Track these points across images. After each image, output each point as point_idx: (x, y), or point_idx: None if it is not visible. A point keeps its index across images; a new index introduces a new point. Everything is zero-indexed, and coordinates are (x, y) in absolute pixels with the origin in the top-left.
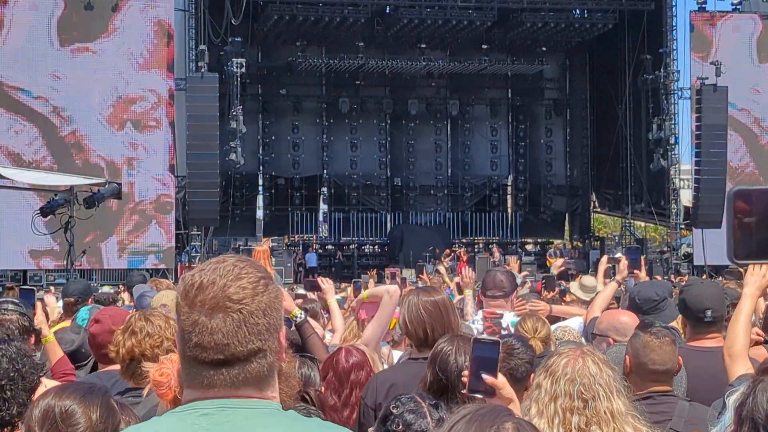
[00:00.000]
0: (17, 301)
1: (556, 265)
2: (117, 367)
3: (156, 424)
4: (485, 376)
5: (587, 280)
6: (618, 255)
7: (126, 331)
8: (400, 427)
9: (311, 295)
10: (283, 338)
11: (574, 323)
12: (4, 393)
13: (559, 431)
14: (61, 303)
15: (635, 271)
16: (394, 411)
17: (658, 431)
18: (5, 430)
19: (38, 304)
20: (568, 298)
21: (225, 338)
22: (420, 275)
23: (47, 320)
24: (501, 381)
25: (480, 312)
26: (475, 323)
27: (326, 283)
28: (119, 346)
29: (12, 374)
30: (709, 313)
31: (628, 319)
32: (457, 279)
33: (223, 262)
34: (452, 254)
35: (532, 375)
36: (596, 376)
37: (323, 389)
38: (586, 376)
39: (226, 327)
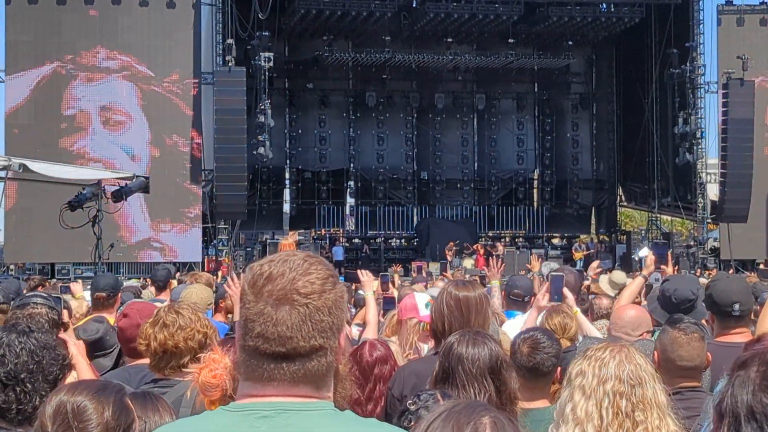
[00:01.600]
0: (46, 295)
1: (592, 266)
2: (146, 360)
3: (210, 420)
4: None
5: (617, 276)
6: (642, 254)
7: (156, 324)
8: (412, 423)
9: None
10: (343, 340)
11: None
12: (25, 386)
13: (607, 412)
14: (88, 297)
15: (662, 267)
16: (411, 408)
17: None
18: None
19: (64, 313)
20: (593, 288)
21: (289, 331)
22: (444, 272)
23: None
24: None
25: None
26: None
27: (366, 276)
28: (150, 339)
29: (31, 366)
30: (737, 307)
31: (635, 313)
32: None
33: (294, 255)
34: (454, 249)
35: (559, 369)
36: (643, 364)
37: None
38: (634, 363)
39: (292, 320)
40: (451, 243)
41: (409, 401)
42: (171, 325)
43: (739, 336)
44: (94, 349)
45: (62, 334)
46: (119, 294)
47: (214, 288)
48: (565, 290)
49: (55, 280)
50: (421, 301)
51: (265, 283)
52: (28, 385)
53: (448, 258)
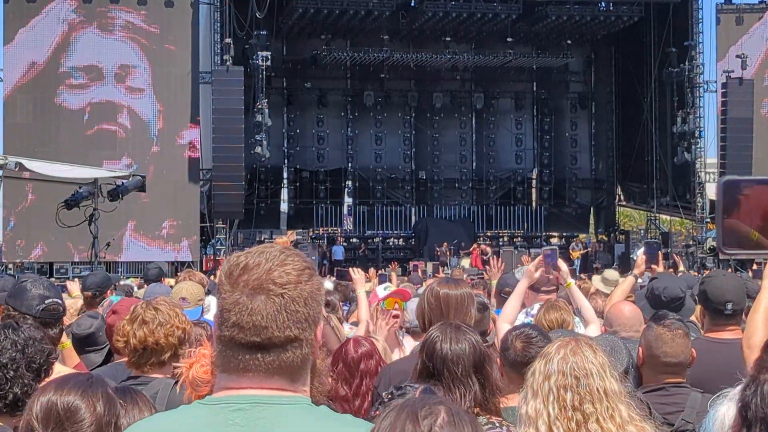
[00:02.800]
0: (45, 285)
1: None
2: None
3: (186, 414)
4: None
5: (610, 273)
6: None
7: (134, 321)
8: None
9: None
10: (320, 333)
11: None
12: (7, 372)
13: (553, 407)
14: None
15: (652, 266)
16: (386, 399)
17: (649, 421)
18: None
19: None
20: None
21: (264, 320)
22: (436, 273)
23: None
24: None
25: (536, 305)
26: (529, 316)
27: (357, 274)
28: (129, 336)
29: (14, 354)
30: (729, 306)
31: (629, 313)
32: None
33: (270, 248)
34: (448, 249)
35: None
36: (589, 356)
37: (333, 380)
38: (579, 354)
39: (267, 309)
40: (445, 244)
41: (386, 392)
42: (150, 322)
43: (730, 333)
44: (86, 344)
45: None
46: (107, 292)
47: (207, 289)
48: (560, 262)
49: (53, 279)
50: (380, 288)
51: (242, 273)
52: (10, 371)
53: (439, 257)
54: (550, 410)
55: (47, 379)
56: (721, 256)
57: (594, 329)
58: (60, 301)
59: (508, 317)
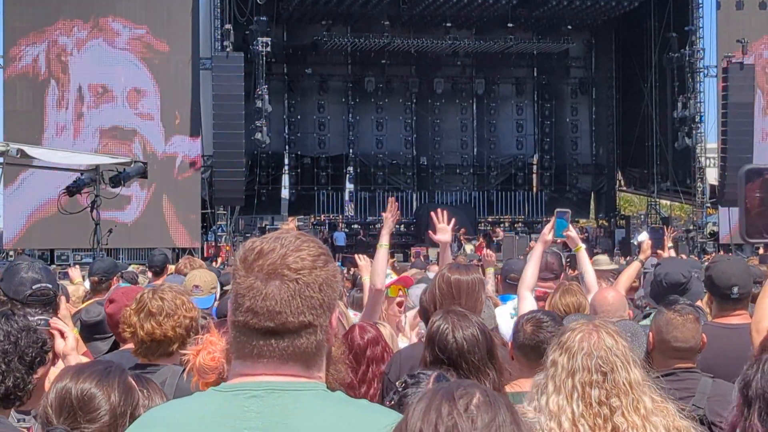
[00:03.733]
0: (39, 268)
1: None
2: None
3: (201, 401)
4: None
5: (600, 260)
6: (641, 238)
7: (141, 312)
8: (395, 401)
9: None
10: (335, 320)
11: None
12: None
13: (578, 405)
14: (88, 282)
15: (658, 251)
16: (400, 388)
17: (671, 401)
18: (12, 406)
19: (62, 300)
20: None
21: (278, 305)
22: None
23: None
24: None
25: (528, 301)
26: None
27: (363, 260)
28: (136, 328)
29: (7, 347)
30: (735, 289)
31: (613, 300)
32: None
33: (286, 233)
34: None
35: None
36: (612, 347)
37: None
38: (603, 348)
39: (281, 294)
40: (464, 229)
41: (399, 381)
42: (158, 313)
43: (738, 318)
44: (94, 332)
45: (56, 323)
46: (114, 278)
47: None
48: (571, 227)
49: (54, 266)
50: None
51: (256, 258)
52: (2, 365)
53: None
54: (574, 408)
55: (43, 368)
56: (741, 241)
57: None
58: (51, 286)
59: (529, 284)
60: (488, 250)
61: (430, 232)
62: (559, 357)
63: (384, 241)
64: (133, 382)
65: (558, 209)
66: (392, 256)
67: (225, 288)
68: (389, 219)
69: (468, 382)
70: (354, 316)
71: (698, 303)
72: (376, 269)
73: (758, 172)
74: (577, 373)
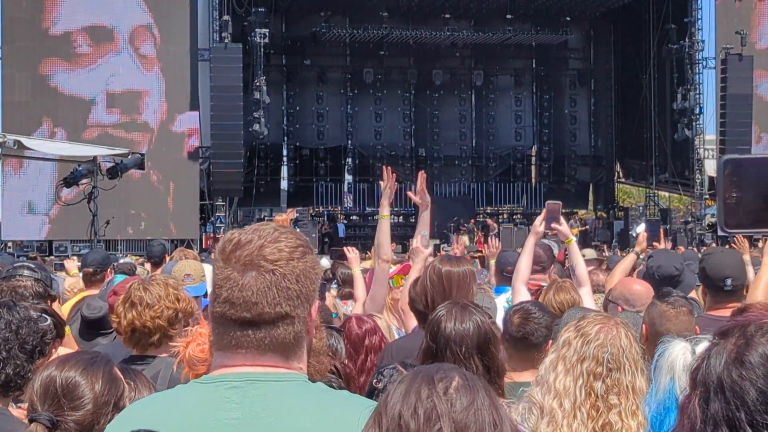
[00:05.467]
0: (33, 266)
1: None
2: None
3: (182, 393)
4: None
5: (587, 252)
6: (639, 230)
7: (126, 302)
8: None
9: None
10: (315, 312)
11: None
12: (0, 353)
13: (581, 392)
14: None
15: (654, 243)
16: (378, 386)
17: None
18: (12, 394)
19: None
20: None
21: (254, 296)
22: (438, 252)
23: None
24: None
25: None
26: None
27: (352, 253)
28: (120, 317)
29: (7, 335)
30: (729, 281)
31: (641, 288)
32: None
33: (265, 225)
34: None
35: (550, 342)
36: (626, 349)
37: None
38: (617, 346)
39: (257, 285)
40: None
41: (374, 379)
42: (138, 304)
43: (731, 310)
44: (96, 327)
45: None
46: (107, 270)
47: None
48: (561, 219)
49: (52, 257)
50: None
51: (234, 249)
52: (3, 352)
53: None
54: (577, 394)
55: (43, 359)
56: (720, 233)
57: (586, 291)
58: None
59: (523, 277)
60: (493, 241)
61: (409, 192)
62: (573, 339)
63: (385, 211)
64: (119, 373)
65: (549, 201)
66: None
67: None
68: (387, 188)
69: (447, 365)
70: (344, 305)
71: (692, 294)
72: (380, 240)
73: (738, 163)
74: (587, 360)
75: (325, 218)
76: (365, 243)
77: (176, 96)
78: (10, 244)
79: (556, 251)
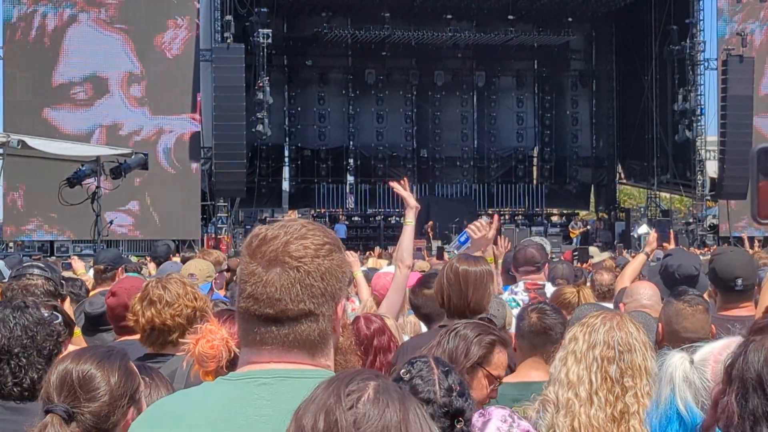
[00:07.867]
0: (43, 265)
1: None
2: (135, 336)
3: (210, 390)
4: None
5: (591, 251)
6: (641, 231)
7: (144, 300)
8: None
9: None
10: (341, 310)
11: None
12: (19, 360)
13: (596, 377)
14: (92, 272)
15: (664, 244)
16: (405, 377)
17: None
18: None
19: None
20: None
21: (278, 293)
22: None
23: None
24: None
25: (521, 283)
26: (518, 294)
27: (351, 256)
28: (138, 315)
29: (25, 341)
30: (740, 281)
31: (651, 291)
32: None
33: (294, 221)
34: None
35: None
36: (633, 333)
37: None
38: (625, 330)
39: (281, 281)
40: (431, 222)
41: (402, 370)
42: (158, 302)
43: (743, 310)
44: (99, 323)
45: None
46: (119, 268)
47: (225, 266)
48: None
49: (54, 257)
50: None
51: (260, 244)
52: (22, 359)
53: (430, 235)
54: (592, 378)
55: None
56: (732, 233)
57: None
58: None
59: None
60: (503, 240)
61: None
62: (580, 333)
63: (410, 218)
64: (134, 367)
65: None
66: (386, 249)
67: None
68: (409, 198)
69: (368, 373)
70: (349, 303)
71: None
72: (404, 245)
73: None
74: (598, 346)
75: (327, 219)
76: (367, 244)
77: (178, 96)
78: (11, 244)
79: (548, 249)
